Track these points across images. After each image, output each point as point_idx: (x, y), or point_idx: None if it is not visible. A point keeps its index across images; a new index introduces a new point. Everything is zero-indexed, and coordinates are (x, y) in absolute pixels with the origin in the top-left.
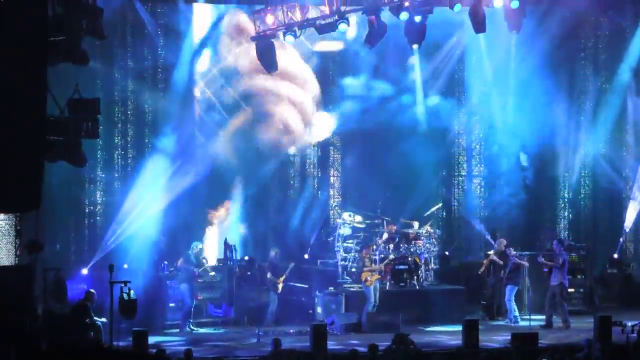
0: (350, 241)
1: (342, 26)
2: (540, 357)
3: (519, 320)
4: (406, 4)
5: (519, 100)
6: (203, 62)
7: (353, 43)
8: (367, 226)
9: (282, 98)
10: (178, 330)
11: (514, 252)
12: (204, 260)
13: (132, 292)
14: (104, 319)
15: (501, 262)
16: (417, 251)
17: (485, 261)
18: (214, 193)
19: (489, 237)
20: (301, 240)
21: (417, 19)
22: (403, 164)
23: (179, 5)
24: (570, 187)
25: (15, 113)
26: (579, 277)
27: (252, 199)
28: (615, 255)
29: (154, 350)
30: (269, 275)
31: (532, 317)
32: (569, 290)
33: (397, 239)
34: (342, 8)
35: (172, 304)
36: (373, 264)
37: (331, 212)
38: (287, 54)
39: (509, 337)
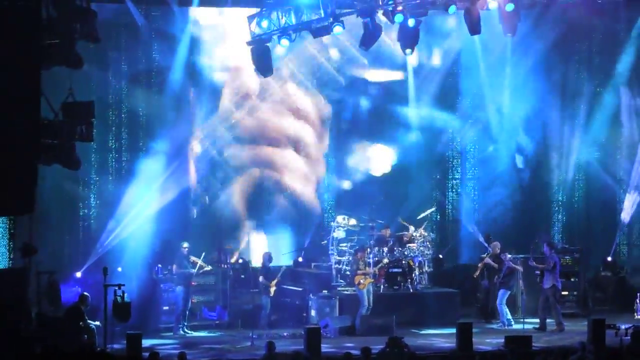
0: (345, 244)
1: (336, 29)
2: (534, 359)
3: (512, 323)
4: (399, 8)
5: (513, 102)
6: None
7: None
8: (361, 229)
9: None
10: (172, 333)
11: (509, 257)
12: (197, 261)
13: (125, 295)
14: (97, 322)
15: (496, 266)
16: (411, 254)
17: (480, 265)
18: None
19: (482, 240)
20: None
21: (411, 23)
22: (397, 166)
23: (173, 8)
24: (565, 190)
25: (9, 116)
26: (572, 279)
27: None
28: (609, 258)
29: (148, 354)
30: (261, 278)
31: (526, 320)
32: (563, 293)
33: (392, 242)
34: (337, 11)
35: (166, 307)
36: (367, 267)
37: (325, 215)
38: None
39: (503, 340)
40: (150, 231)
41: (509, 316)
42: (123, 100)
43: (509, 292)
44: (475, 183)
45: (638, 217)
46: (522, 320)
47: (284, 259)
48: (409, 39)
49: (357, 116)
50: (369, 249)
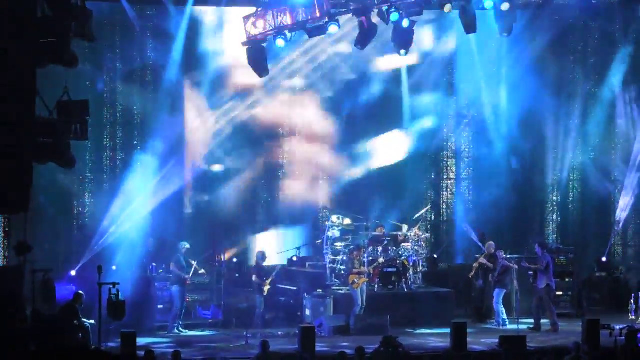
0: (339, 243)
1: (332, 28)
2: None
3: (507, 323)
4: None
5: (509, 102)
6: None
7: None
8: (356, 229)
9: None
10: (166, 332)
11: (503, 255)
12: (193, 263)
13: (120, 293)
14: (92, 321)
15: (491, 265)
16: (406, 254)
17: (475, 265)
18: None
19: (477, 240)
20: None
21: (405, 23)
22: (392, 166)
23: (168, 7)
24: (559, 190)
25: (4, 115)
26: (567, 280)
27: None
28: (604, 259)
29: (143, 352)
30: (254, 278)
31: (521, 320)
32: (558, 293)
33: (386, 242)
34: (332, 10)
35: (160, 306)
36: (362, 267)
37: (320, 214)
38: None
39: (497, 340)
40: (144, 230)
41: (504, 316)
42: (118, 98)
43: (504, 291)
44: (469, 183)
45: (633, 218)
46: (516, 320)
47: (279, 257)
48: (403, 40)
49: (353, 115)
50: (364, 249)
